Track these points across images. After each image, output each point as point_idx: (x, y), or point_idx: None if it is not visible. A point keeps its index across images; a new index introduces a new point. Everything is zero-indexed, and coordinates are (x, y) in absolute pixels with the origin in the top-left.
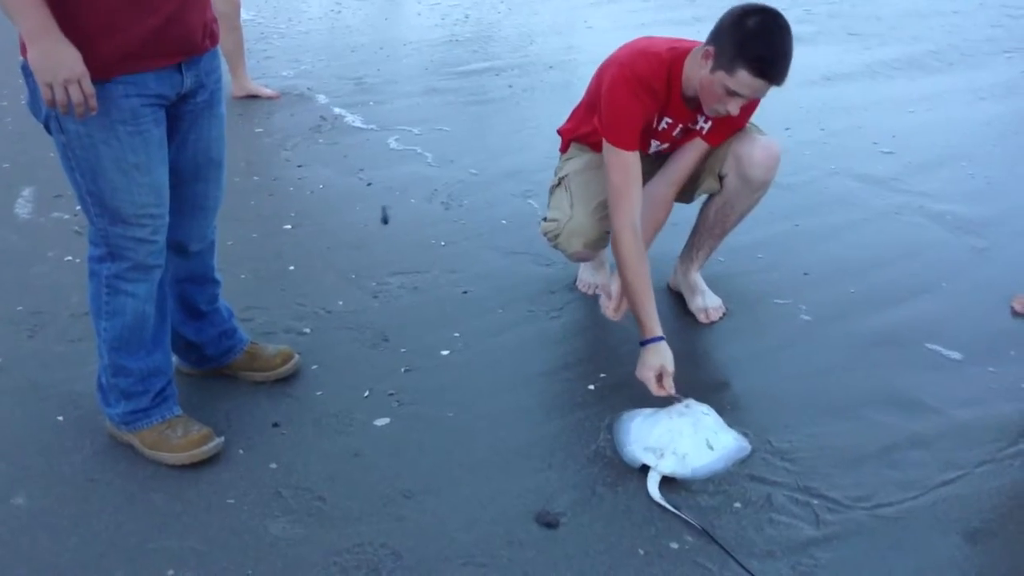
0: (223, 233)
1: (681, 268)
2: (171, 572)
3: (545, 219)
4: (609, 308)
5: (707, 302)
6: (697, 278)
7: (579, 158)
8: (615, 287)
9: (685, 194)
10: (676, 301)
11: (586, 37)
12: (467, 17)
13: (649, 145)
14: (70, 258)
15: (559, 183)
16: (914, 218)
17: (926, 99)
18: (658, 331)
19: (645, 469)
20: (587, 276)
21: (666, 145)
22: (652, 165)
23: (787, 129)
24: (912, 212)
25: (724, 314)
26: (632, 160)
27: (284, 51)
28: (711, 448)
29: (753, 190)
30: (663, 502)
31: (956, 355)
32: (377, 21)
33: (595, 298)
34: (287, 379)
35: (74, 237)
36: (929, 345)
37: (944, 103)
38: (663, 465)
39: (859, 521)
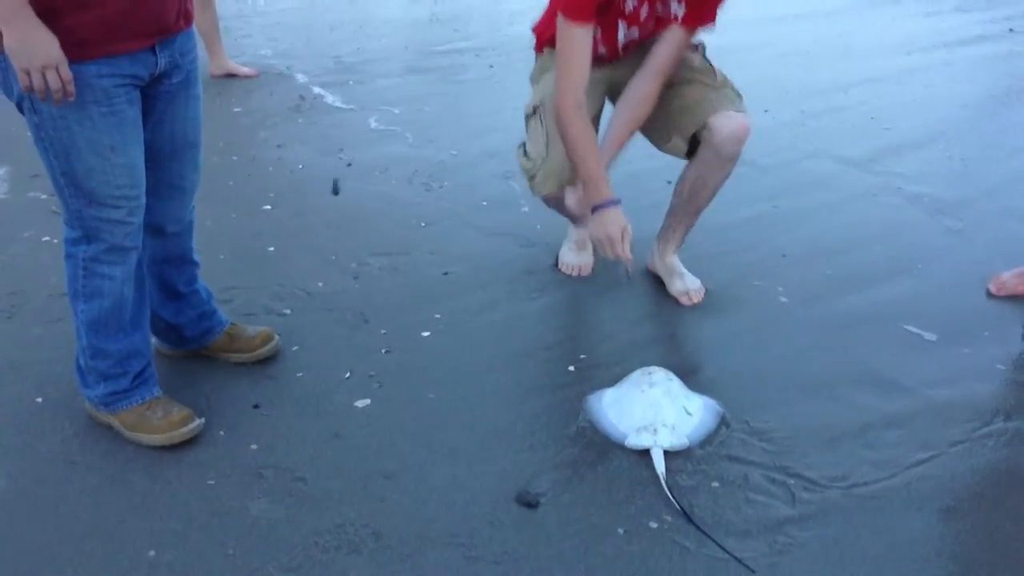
0: (201, 213)
1: (659, 250)
2: (152, 553)
3: (524, 151)
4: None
5: (687, 284)
6: (675, 260)
7: (552, 73)
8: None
9: (658, 136)
10: (654, 284)
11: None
12: None
13: (617, 30)
14: (47, 238)
15: (534, 112)
16: (891, 199)
17: (903, 81)
18: (614, 195)
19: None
20: (569, 258)
21: (636, 34)
22: (628, 69)
23: (766, 111)
24: (889, 194)
25: (704, 295)
26: (583, 35)
27: (262, 30)
28: (690, 414)
29: (723, 162)
30: (666, 483)
31: (932, 336)
32: (356, 0)
33: (578, 279)
34: (267, 360)
35: (51, 217)
36: (905, 326)
37: (921, 85)
38: (661, 440)
39: (835, 500)
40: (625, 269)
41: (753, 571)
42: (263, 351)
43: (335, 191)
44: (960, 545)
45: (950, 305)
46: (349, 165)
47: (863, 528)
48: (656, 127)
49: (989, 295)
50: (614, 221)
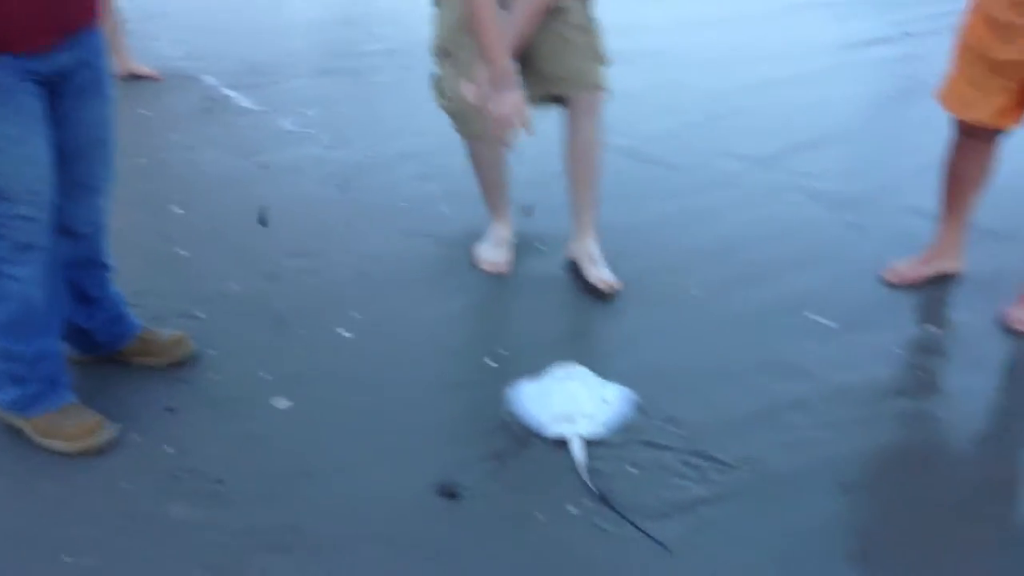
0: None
1: (577, 236)
2: (68, 559)
3: (440, 91)
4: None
5: (603, 273)
6: (592, 246)
7: (449, 5)
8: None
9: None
10: (570, 281)
11: None
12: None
13: None
14: None
15: (446, 52)
16: (794, 197)
17: (806, 83)
18: (511, 71)
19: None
20: (488, 255)
21: None
22: None
23: (675, 111)
24: (792, 191)
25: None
26: None
27: (169, 31)
28: (607, 402)
29: (586, 140)
30: (584, 470)
31: (833, 324)
32: (265, 1)
33: (496, 277)
34: (182, 364)
35: None
36: (809, 315)
37: (823, 87)
38: (579, 429)
39: (745, 480)
40: (525, 207)
41: (669, 549)
42: (177, 355)
43: (262, 222)
44: (861, 519)
45: (849, 295)
46: (263, 167)
47: (772, 505)
48: (526, 77)
49: (886, 284)
50: (510, 100)
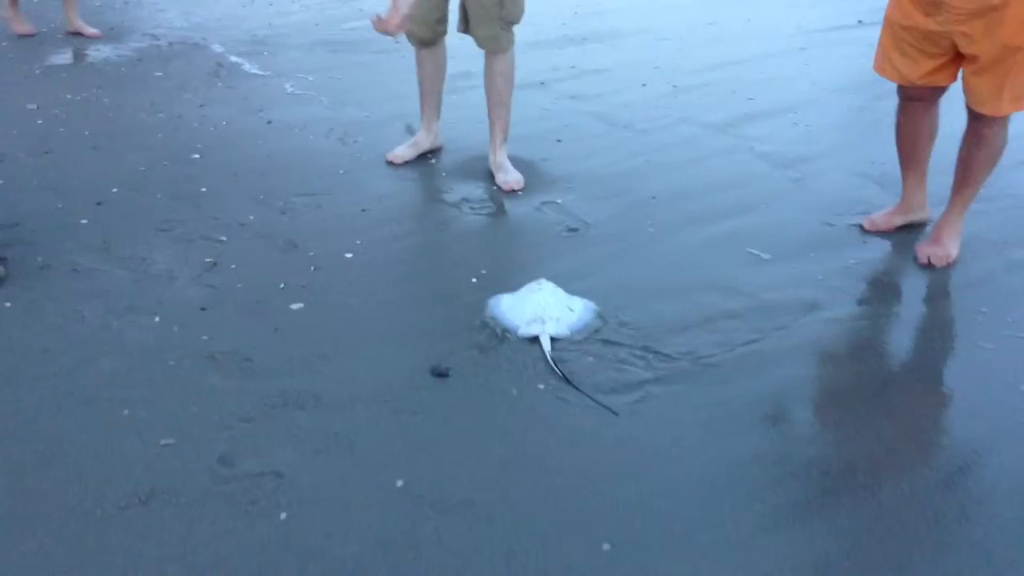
0: (134, 160)
1: (491, 148)
2: (125, 412)
3: None
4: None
5: (508, 176)
6: (502, 156)
7: None
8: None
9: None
10: (542, 221)
11: None
12: None
13: None
14: None
15: None
16: (745, 156)
17: (764, 64)
18: None
19: (534, 339)
20: (398, 148)
21: None
22: None
23: (644, 85)
24: (743, 152)
25: (523, 188)
26: None
27: (176, 3)
28: (572, 310)
29: (497, 86)
30: (551, 358)
31: (768, 256)
32: None
33: (485, 215)
34: (210, 270)
35: None
36: (748, 249)
37: (779, 67)
38: (548, 329)
39: (683, 367)
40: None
41: (616, 413)
42: None
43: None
44: (775, 401)
45: (786, 235)
46: (269, 123)
47: (704, 386)
48: (466, 22)
49: (862, 230)
50: (395, 17)
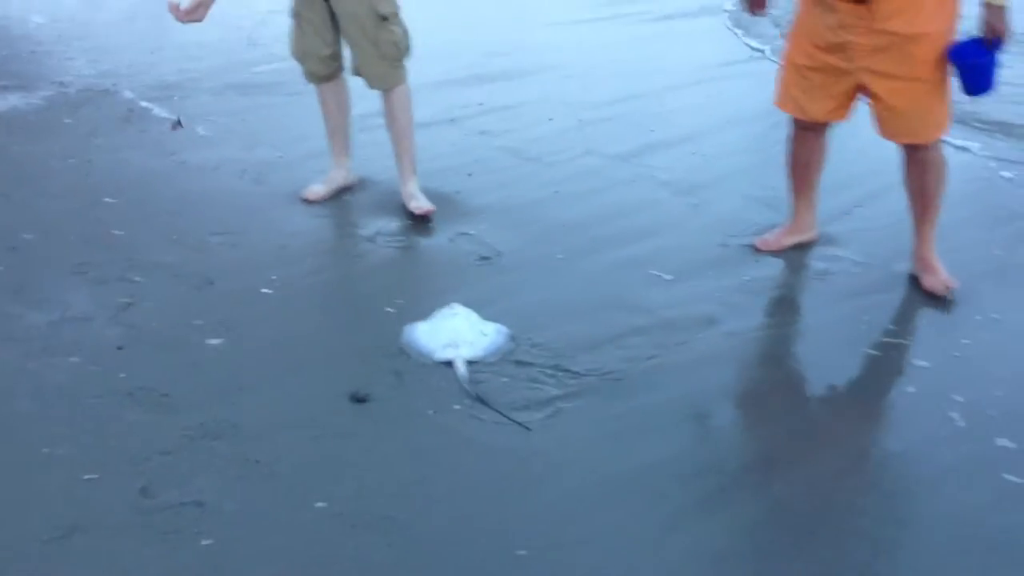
0: (44, 206)
1: (401, 180)
2: (45, 450)
3: (291, 45)
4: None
5: (420, 202)
6: (412, 186)
7: None
8: None
9: None
10: (453, 250)
11: None
12: (263, 21)
13: None
14: None
15: (296, 14)
16: (646, 185)
17: (663, 97)
18: None
19: (449, 363)
20: (313, 186)
21: None
22: None
23: (550, 119)
24: (645, 181)
25: (433, 212)
26: None
27: (84, 52)
28: (485, 334)
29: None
30: (465, 380)
31: (669, 276)
32: (173, 24)
33: (398, 248)
34: (126, 310)
35: None
36: (651, 270)
37: (678, 101)
38: (463, 353)
39: (591, 383)
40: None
41: (528, 428)
42: None
43: (177, 123)
44: (676, 410)
45: (685, 257)
46: (182, 163)
47: (611, 400)
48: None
49: (755, 250)
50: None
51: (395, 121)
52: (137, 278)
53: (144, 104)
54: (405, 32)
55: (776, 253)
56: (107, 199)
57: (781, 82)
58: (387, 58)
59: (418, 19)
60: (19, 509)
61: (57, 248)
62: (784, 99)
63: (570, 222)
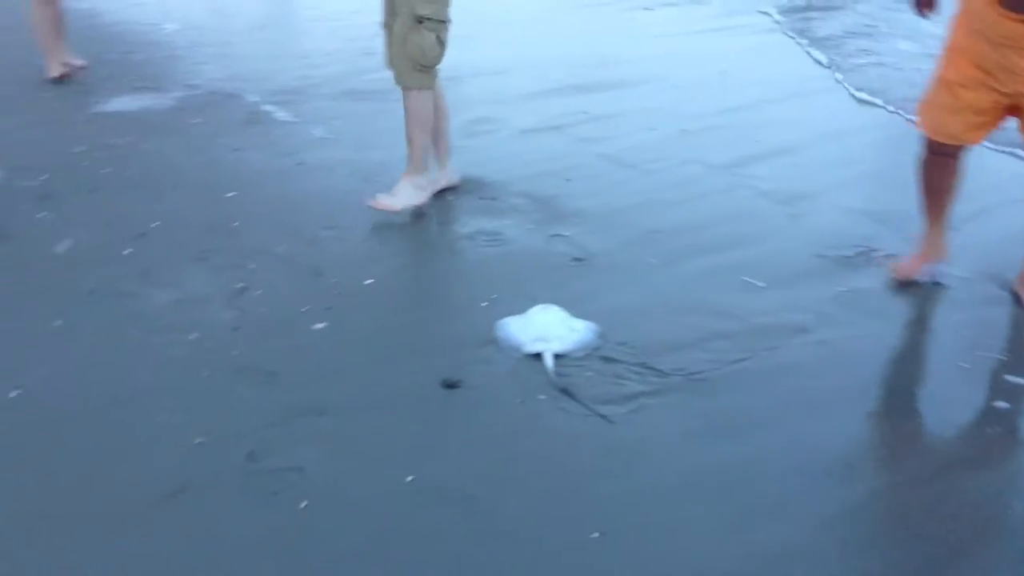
0: (171, 199)
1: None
2: (163, 416)
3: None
4: None
5: (387, 199)
6: (399, 184)
7: None
8: None
9: None
10: (546, 250)
11: (479, 51)
12: (377, 33)
13: None
14: None
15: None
16: (745, 194)
17: (765, 111)
18: None
19: (538, 356)
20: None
21: None
22: None
23: (651, 128)
24: (744, 190)
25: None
26: None
27: (213, 58)
28: (574, 331)
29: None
30: (552, 372)
31: (762, 284)
32: (297, 35)
33: (472, 239)
34: (241, 295)
35: None
36: (744, 277)
37: (781, 114)
38: (552, 346)
39: (675, 382)
40: None
41: (611, 421)
42: None
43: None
44: (758, 413)
45: (781, 265)
46: (299, 164)
47: (694, 399)
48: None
49: (892, 280)
50: None
51: (406, 122)
52: (252, 266)
53: (266, 107)
54: (438, 43)
55: (878, 266)
56: (228, 193)
57: (930, 103)
58: (409, 59)
59: (533, 33)
60: (137, 468)
61: (181, 236)
62: (934, 123)
63: (665, 227)
